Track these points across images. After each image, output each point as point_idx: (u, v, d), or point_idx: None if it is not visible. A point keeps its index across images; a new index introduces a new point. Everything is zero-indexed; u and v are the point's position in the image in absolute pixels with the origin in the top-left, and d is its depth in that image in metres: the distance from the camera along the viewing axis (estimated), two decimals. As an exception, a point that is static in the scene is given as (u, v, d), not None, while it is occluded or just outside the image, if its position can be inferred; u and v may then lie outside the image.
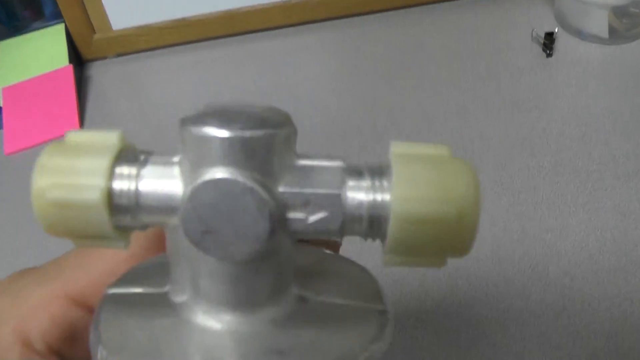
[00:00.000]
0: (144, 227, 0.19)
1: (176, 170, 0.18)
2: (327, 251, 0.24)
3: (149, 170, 0.18)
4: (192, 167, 0.17)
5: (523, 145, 0.64)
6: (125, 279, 0.21)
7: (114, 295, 0.20)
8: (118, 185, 0.18)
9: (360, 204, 0.18)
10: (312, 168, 0.18)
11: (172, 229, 0.18)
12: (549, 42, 0.74)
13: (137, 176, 0.18)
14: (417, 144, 0.19)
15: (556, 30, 0.76)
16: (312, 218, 0.18)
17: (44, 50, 0.83)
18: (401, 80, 0.75)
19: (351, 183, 0.18)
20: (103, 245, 0.19)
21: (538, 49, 0.76)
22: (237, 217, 0.17)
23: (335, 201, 0.18)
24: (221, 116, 0.17)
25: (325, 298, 0.20)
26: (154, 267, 0.22)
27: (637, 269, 0.53)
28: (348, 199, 0.18)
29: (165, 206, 0.18)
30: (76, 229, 0.18)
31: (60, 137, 0.17)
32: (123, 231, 0.19)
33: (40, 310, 0.22)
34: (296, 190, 0.18)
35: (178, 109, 0.75)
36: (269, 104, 0.19)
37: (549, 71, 0.73)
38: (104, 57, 0.84)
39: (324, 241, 0.22)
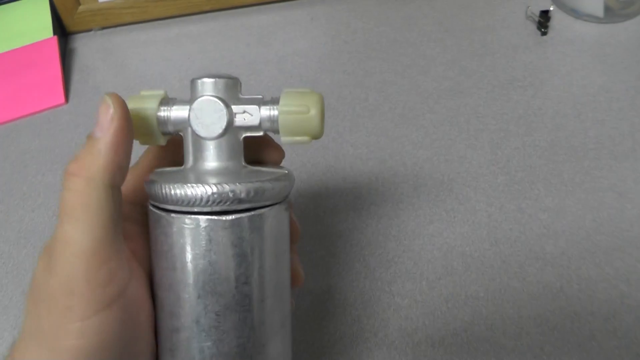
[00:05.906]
0: (172, 133, 0.36)
1: (188, 105, 0.36)
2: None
3: (175, 107, 0.36)
4: (194, 97, 0.35)
5: (519, 123, 0.63)
6: (156, 172, 0.37)
7: (154, 172, 0.36)
8: (161, 113, 0.36)
9: (268, 114, 0.35)
10: (246, 98, 0.36)
11: (185, 132, 0.36)
12: (544, 20, 0.73)
13: (170, 109, 0.36)
14: (296, 87, 0.37)
15: (551, 8, 0.75)
16: (246, 119, 0.35)
17: (27, 21, 0.81)
18: (394, 56, 0.74)
19: (264, 105, 0.36)
20: (153, 141, 0.36)
21: (533, 27, 0.75)
22: (213, 115, 0.35)
23: (256, 111, 0.35)
24: (208, 74, 0.36)
25: (259, 167, 0.38)
26: (169, 168, 0.38)
27: (634, 249, 0.52)
28: (262, 111, 0.35)
29: (183, 121, 0.36)
30: (141, 129, 0.36)
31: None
32: (163, 135, 0.36)
33: None
34: (239, 105, 0.36)
35: (163, 82, 0.73)
36: (227, 72, 0.38)
37: (544, 49, 0.72)
38: (89, 30, 0.82)
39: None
